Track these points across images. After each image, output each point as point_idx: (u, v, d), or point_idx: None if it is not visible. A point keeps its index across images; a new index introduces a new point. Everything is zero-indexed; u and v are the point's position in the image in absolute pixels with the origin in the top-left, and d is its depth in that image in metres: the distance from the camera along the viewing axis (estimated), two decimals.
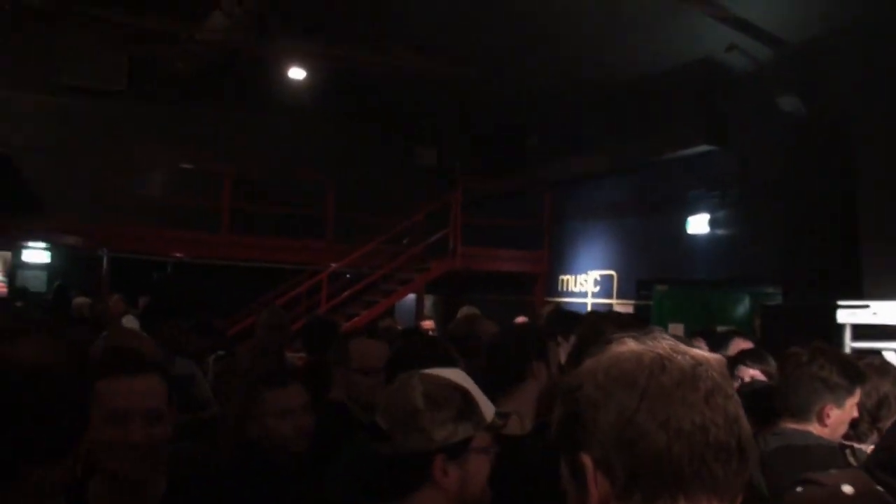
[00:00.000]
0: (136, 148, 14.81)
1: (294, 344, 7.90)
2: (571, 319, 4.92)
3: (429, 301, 16.08)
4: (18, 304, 12.11)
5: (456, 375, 2.08)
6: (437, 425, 1.94)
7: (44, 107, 14.94)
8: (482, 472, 1.99)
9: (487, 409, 2.03)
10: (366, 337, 4.24)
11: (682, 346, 1.23)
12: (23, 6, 12.85)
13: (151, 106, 15.35)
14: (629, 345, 1.24)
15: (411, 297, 15.04)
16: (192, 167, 15.17)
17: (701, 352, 1.23)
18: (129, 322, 6.67)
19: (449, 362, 3.22)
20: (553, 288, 14.72)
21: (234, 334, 12.12)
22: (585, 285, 14.03)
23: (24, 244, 14.69)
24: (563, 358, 3.74)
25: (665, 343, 1.23)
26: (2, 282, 16.02)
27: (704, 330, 6.87)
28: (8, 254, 15.45)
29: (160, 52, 14.17)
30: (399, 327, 9.31)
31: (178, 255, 14.66)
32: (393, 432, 1.99)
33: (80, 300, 10.06)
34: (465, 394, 1.99)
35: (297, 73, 13.82)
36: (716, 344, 5.32)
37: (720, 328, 8.00)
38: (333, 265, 14.24)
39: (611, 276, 13.49)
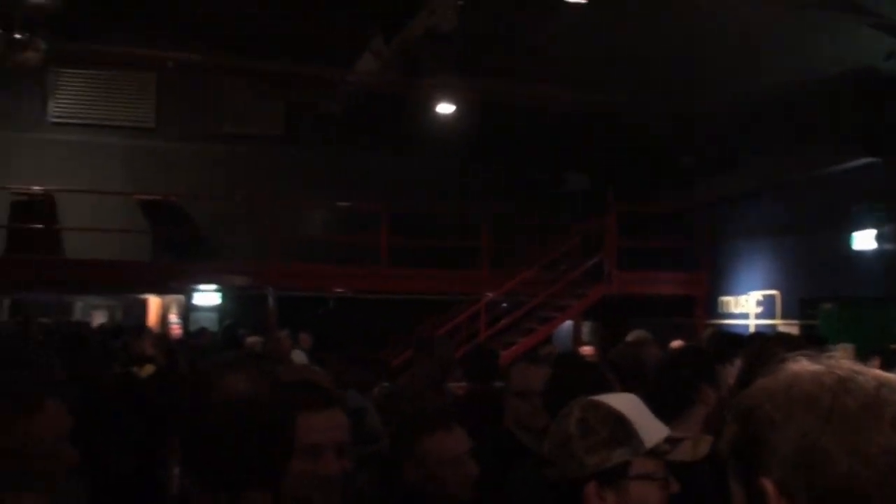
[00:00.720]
0: (295, 189, 15.45)
1: (455, 374, 8.00)
2: (734, 342, 4.84)
3: (586, 327, 15.97)
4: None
5: (623, 401, 2.05)
6: (588, 451, 1.92)
7: (209, 155, 15.80)
8: (649, 499, 1.93)
9: (651, 434, 1.96)
10: (527, 362, 4.25)
11: (861, 367, 1.20)
12: (187, 63, 13.61)
13: (308, 149, 15.99)
14: (805, 365, 1.20)
15: (569, 323, 14.99)
16: (349, 205, 15.68)
17: (882, 372, 1.19)
18: (298, 357, 6.90)
19: (604, 387, 3.23)
20: (713, 310, 14.38)
21: (396, 366, 12.38)
22: (747, 306, 13.65)
23: (196, 287, 15.41)
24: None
25: (844, 363, 1.19)
26: (177, 324, 16.86)
27: (880, 348, 6.60)
28: (182, 297, 16.25)
29: (314, 97, 14.72)
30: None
31: (339, 290, 15.08)
32: (553, 458, 2.00)
33: (252, 339, 10.45)
34: (620, 419, 1.95)
35: (445, 109, 14.10)
36: (892, 363, 5.11)
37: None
38: (490, 294, 14.35)
39: (773, 296, 13.09)
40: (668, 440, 1.97)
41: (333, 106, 14.72)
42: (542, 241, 15.00)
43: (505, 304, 14.88)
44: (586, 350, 11.26)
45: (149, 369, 8.85)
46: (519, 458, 3.38)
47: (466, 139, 15.47)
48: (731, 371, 4.03)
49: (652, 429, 1.97)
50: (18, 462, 1.83)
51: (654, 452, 1.92)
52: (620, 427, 1.92)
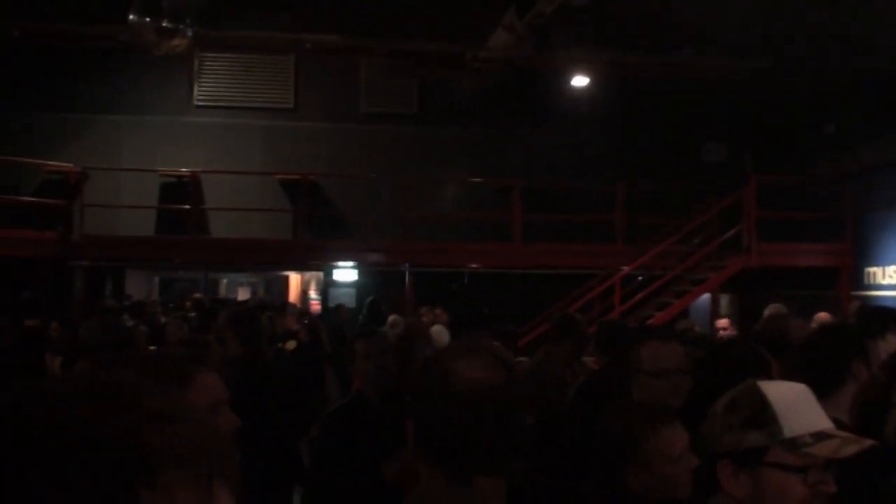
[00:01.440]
0: (429, 167, 15.67)
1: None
2: (886, 315, 4.66)
3: (724, 300, 15.66)
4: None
5: (784, 389, 1.99)
6: (726, 429, 1.91)
7: (346, 134, 16.16)
8: (786, 493, 1.84)
9: (797, 424, 1.87)
10: (658, 340, 4.18)
11: None
12: (324, 44, 13.91)
13: (441, 126, 16.14)
14: None
15: (705, 296, 14.73)
16: (483, 181, 15.80)
17: None
18: (440, 333, 7.00)
19: (761, 367, 3.17)
20: (858, 281, 13.90)
21: (529, 341, 12.43)
22: (895, 277, 13.15)
23: (335, 264, 15.81)
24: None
25: None
26: (316, 300, 17.34)
27: None
28: (320, 274, 16.69)
29: (447, 74, 14.84)
30: (697, 328, 9.12)
31: (473, 265, 15.23)
32: (701, 433, 2.01)
33: (394, 317, 10.64)
34: (764, 403, 1.89)
35: (580, 82, 14.00)
36: None
37: None
38: (625, 268, 14.24)
39: None
40: (817, 434, 1.87)
41: (467, 83, 14.81)
42: (678, 214, 14.76)
43: (640, 278, 14.73)
44: (721, 323, 11.08)
45: (291, 344, 9.18)
46: None
47: (601, 112, 15.34)
48: (884, 346, 3.91)
49: (802, 420, 1.89)
50: (172, 427, 1.92)
51: (794, 444, 1.85)
52: (762, 411, 1.88)
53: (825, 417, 1.92)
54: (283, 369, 6.78)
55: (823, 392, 2.94)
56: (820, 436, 1.85)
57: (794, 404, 1.91)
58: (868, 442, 1.87)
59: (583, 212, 15.18)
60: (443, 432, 1.68)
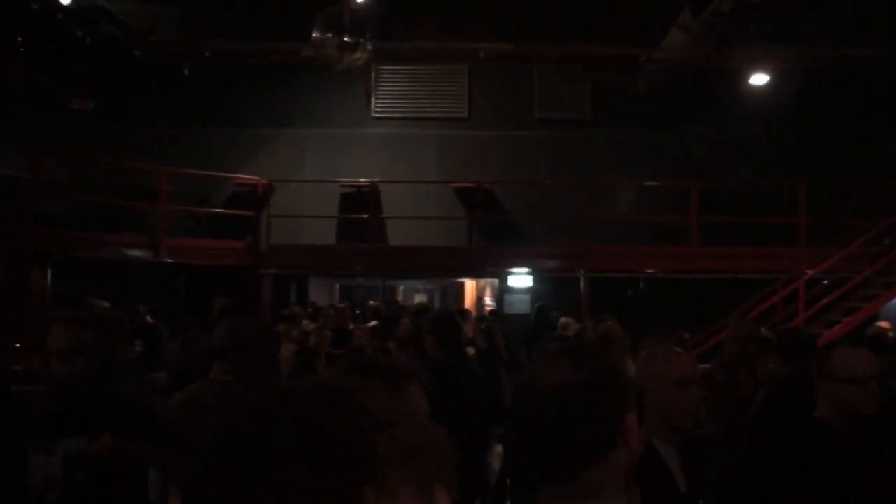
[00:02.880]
0: (603, 171, 15.60)
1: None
2: None
3: None
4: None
5: None
6: None
7: (520, 141, 16.30)
8: None
9: None
10: (849, 346, 4.04)
11: None
12: (497, 52, 14.08)
13: (615, 129, 16.04)
14: None
15: None
16: (657, 184, 15.59)
17: None
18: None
19: None
20: None
21: (708, 348, 12.17)
22: None
23: (510, 271, 15.93)
24: None
25: None
26: (491, 306, 17.49)
27: None
28: (495, 280, 16.84)
29: (621, 77, 14.73)
30: (891, 334, 8.69)
31: (650, 270, 15.02)
32: None
33: (564, 320, 10.66)
34: None
35: (758, 79, 13.61)
36: None
37: None
38: (809, 272, 13.72)
39: None
40: None
41: (640, 85, 14.66)
42: (866, 214, 14.09)
43: (826, 282, 14.16)
44: (883, 325, 10.40)
45: (471, 351, 9.30)
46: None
47: (780, 110, 14.86)
48: None
49: None
50: (394, 430, 2.03)
51: None
52: None
53: None
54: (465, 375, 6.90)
55: None
56: None
57: None
58: None
59: (763, 213, 14.73)
60: (537, 432, 1.77)
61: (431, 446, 0.95)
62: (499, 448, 8.39)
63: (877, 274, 13.65)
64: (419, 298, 21.09)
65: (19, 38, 13.43)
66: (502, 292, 16.51)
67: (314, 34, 10.22)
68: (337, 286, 20.24)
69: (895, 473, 3.18)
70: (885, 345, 5.89)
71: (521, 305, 15.98)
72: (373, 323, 11.37)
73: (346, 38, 9.98)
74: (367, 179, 15.94)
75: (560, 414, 1.74)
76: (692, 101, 15.43)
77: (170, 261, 14.21)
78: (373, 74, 16.41)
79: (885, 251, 13.83)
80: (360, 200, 16.00)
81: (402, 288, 21.67)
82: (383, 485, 0.89)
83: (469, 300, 19.07)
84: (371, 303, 14.84)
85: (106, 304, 9.78)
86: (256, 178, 15.98)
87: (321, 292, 18.50)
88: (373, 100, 16.76)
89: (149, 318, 11.33)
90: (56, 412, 3.47)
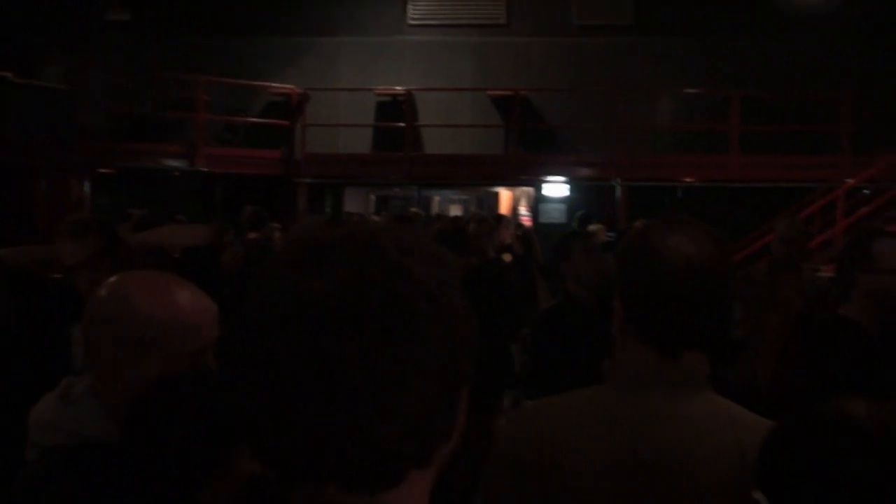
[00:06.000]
0: (643, 78, 15.34)
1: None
2: None
3: None
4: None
5: None
6: None
7: (558, 48, 16.06)
8: None
9: None
10: (888, 236, 3.93)
11: None
12: None
13: (656, 36, 15.74)
14: None
15: None
16: (698, 91, 15.32)
17: None
18: None
19: None
20: None
21: (750, 254, 12.08)
22: None
23: (546, 179, 15.83)
24: None
25: None
26: (527, 215, 17.46)
27: None
28: (531, 189, 16.77)
29: None
30: None
31: (688, 179, 14.87)
32: None
33: (596, 226, 10.66)
34: None
35: None
36: None
37: None
38: (849, 180, 13.52)
39: None
40: None
41: None
42: None
43: (867, 192, 13.94)
44: None
45: (507, 256, 9.33)
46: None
47: (824, 13, 14.49)
48: None
49: None
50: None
51: None
52: None
53: None
54: (501, 278, 6.92)
55: None
56: None
57: None
58: None
59: (806, 122, 14.47)
60: (653, 307, 1.68)
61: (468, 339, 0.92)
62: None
63: None
64: (454, 209, 21.11)
65: None
66: (538, 202, 16.45)
67: None
68: (372, 197, 20.27)
69: None
70: None
71: (557, 215, 15.93)
72: None
73: None
74: (402, 88, 15.80)
75: (687, 288, 1.66)
76: (734, 7, 15.08)
77: (206, 170, 14.29)
78: None
79: None
80: (396, 109, 15.88)
81: (437, 198, 21.65)
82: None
83: (504, 210, 19.02)
84: (413, 209, 14.82)
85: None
86: (291, 87, 15.91)
87: (356, 202, 18.56)
88: (409, 6, 16.53)
89: None
90: None
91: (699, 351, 1.70)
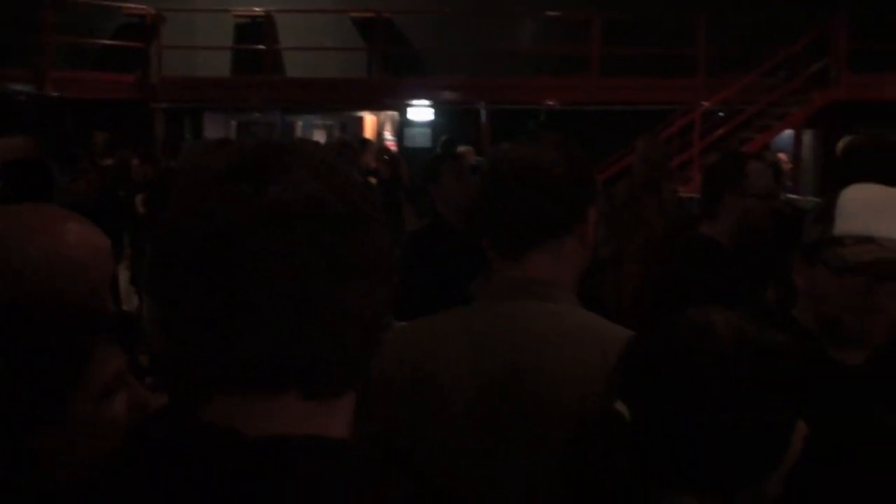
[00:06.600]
0: (505, 1, 15.27)
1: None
2: None
3: (807, 136, 15.24)
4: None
5: (867, 192, 1.88)
6: (808, 222, 1.89)
7: None
8: (827, 291, 1.82)
9: (850, 225, 1.79)
10: (758, 161, 4.09)
11: None
12: None
13: None
14: None
15: (789, 133, 14.36)
16: (560, 14, 15.38)
17: None
18: None
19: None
20: None
21: (610, 177, 12.33)
22: None
23: (410, 103, 15.73)
24: None
25: None
26: (392, 140, 17.35)
27: None
28: (396, 114, 16.65)
29: None
30: (788, 164, 8.88)
31: (550, 102, 15.01)
32: None
33: (463, 148, 10.70)
34: (832, 201, 1.84)
35: None
36: None
37: None
38: (706, 103, 13.90)
39: None
40: (863, 238, 1.77)
41: None
42: (768, 46, 14.18)
43: (721, 114, 14.38)
44: (780, 155, 10.63)
45: (373, 181, 9.28)
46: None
47: None
48: None
49: (857, 222, 1.80)
50: None
51: (835, 242, 1.80)
52: (828, 209, 1.84)
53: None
54: None
55: None
56: (864, 240, 1.77)
57: (861, 207, 1.83)
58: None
59: (664, 45, 14.74)
60: (492, 211, 1.73)
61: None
62: None
63: (770, 106, 13.89)
64: (318, 134, 20.78)
65: None
66: (403, 126, 16.37)
67: None
68: (233, 123, 19.73)
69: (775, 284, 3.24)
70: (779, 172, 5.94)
71: (422, 139, 15.90)
72: None
73: None
74: (261, 9, 15.33)
75: (535, 188, 1.68)
76: None
77: (56, 95, 13.63)
78: None
79: (779, 83, 14.04)
80: (256, 31, 15.44)
81: (300, 124, 21.24)
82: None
83: (370, 135, 18.85)
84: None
85: None
86: (145, 7, 15.23)
87: (216, 128, 18.04)
88: None
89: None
90: None
91: (547, 254, 1.69)
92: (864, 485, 1.75)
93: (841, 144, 7.37)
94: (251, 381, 0.86)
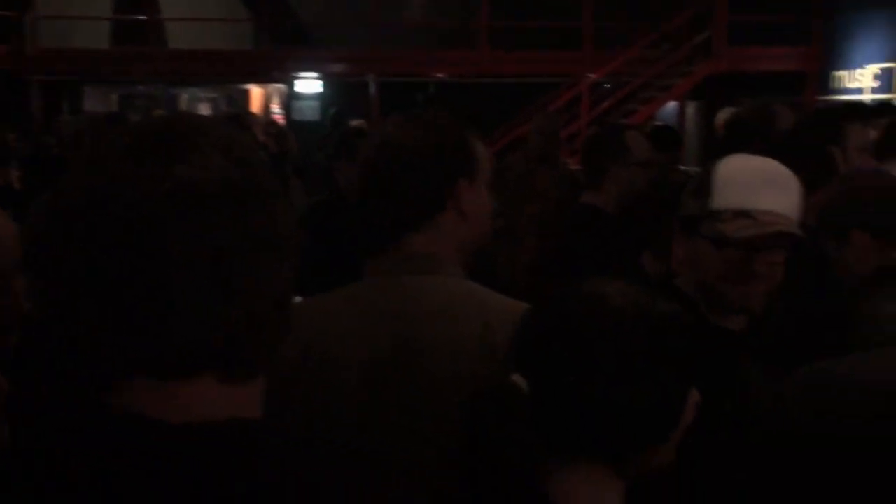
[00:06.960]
0: None
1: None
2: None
3: (691, 108, 15.61)
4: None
5: (744, 164, 1.89)
6: (685, 195, 1.92)
7: None
8: (705, 264, 1.85)
9: (728, 200, 1.81)
10: (636, 131, 4.18)
11: None
12: None
13: None
14: None
15: (673, 105, 14.68)
16: None
17: None
18: None
19: None
20: (824, 86, 13.85)
21: (500, 149, 12.42)
22: (862, 81, 13.11)
23: (297, 75, 15.52)
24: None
25: None
26: (280, 113, 17.11)
27: None
28: (283, 86, 16.42)
29: None
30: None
31: (439, 75, 15.00)
32: None
33: (356, 122, 10.59)
34: (709, 174, 1.86)
35: None
36: None
37: None
38: (592, 75, 14.09)
39: (892, 69, 12.52)
40: (741, 212, 1.80)
41: None
42: (652, 19, 14.44)
43: (608, 86, 14.61)
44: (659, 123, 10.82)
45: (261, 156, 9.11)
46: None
47: None
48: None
49: (735, 196, 1.82)
50: None
51: (714, 216, 1.82)
52: (705, 182, 1.86)
53: (772, 199, 1.81)
54: None
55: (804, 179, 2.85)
56: (741, 214, 1.80)
57: (738, 180, 1.85)
58: (777, 228, 1.78)
59: (551, 18, 14.87)
60: (367, 191, 1.74)
61: None
62: None
63: (654, 78, 14.16)
64: (204, 108, 20.35)
65: None
66: (291, 99, 16.15)
67: None
68: (114, 96, 19.17)
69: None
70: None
71: (311, 112, 15.74)
72: None
73: None
74: None
75: (400, 170, 1.68)
76: None
77: None
78: None
79: (664, 56, 14.32)
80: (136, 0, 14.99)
81: (185, 97, 20.76)
82: None
83: (256, 108, 18.56)
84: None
85: None
86: None
87: (97, 102, 17.49)
88: None
89: None
90: None
91: (425, 233, 1.69)
92: (749, 450, 1.81)
93: (720, 116, 7.60)
94: (167, 366, 0.84)
